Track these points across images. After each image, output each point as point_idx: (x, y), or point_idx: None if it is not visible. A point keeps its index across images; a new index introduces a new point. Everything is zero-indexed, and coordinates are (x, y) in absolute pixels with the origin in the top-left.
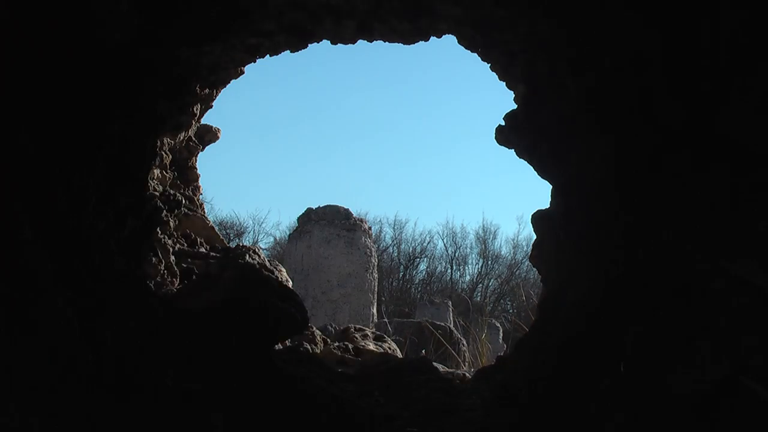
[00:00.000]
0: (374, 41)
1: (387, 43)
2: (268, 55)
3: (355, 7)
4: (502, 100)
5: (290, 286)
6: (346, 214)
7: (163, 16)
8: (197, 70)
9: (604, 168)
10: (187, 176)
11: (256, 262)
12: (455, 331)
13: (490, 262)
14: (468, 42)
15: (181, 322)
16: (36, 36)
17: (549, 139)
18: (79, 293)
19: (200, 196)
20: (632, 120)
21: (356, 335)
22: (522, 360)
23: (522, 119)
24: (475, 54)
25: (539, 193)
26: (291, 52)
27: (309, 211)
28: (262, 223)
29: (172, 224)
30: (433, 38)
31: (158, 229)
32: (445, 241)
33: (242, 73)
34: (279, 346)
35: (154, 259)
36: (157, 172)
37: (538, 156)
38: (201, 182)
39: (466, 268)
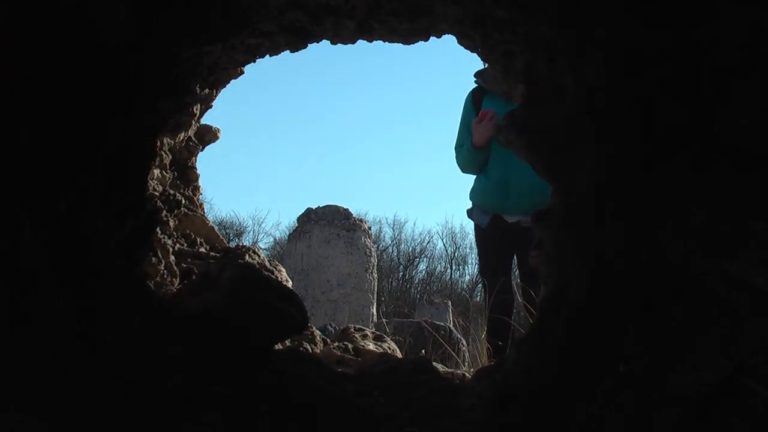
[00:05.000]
0: (374, 41)
1: (387, 43)
2: (268, 55)
3: (355, 8)
4: None
5: (290, 286)
6: (345, 214)
7: (162, 17)
8: (197, 70)
9: (604, 167)
10: (187, 176)
11: (255, 262)
12: (455, 331)
13: None
14: (468, 42)
15: (180, 323)
16: (36, 36)
17: (548, 139)
18: (79, 293)
19: (200, 196)
20: (632, 119)
21: (356, 335)
22: (522, 360)
23: (522, 119)
24: (475, 54)
25: None
26: (291, 52)
27: (309, 211)
28: (261, 223)
29: (172, 224)
30: (433, 38)
31: (158, 229)
32: (444, 241)
33: (242, 73)
34: (279, 346)
35: (153, 259)
36: (156, 172)
37: (538, 155)
38: (201, 182)
39: (466, 268)
